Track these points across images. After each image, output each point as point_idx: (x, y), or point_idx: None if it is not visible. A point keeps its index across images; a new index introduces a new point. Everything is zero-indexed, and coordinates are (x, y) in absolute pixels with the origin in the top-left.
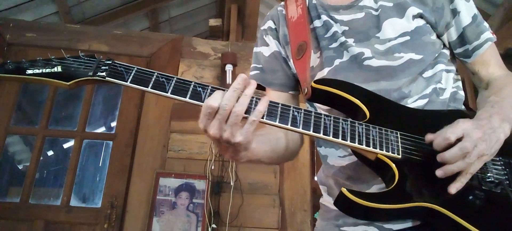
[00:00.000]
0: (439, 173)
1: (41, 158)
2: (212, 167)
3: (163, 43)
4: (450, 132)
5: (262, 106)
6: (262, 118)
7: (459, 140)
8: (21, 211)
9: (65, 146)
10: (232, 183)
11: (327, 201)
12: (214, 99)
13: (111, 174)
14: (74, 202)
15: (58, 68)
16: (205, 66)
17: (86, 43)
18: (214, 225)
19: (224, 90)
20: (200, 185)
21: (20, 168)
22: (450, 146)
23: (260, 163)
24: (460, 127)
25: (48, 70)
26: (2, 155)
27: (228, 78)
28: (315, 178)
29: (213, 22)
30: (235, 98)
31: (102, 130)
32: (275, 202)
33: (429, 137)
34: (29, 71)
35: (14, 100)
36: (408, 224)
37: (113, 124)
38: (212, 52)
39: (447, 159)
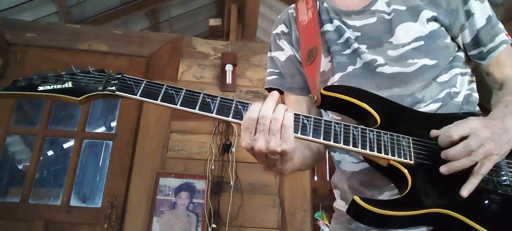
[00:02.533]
0: (443, 169)
1: (41, 158)
2: (212, 167)
3: (163, 43)
4: (455, 130)
5: (291, 114)
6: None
7: (464, 138)
8: (21, 211)
9: (65, 146)
10: (232, 183)
11: (340, 205)
12: (253, 111)
13: (111, 174)
14: (74, 202)
15: (69, 84)
16: (205, 66)
17: (86, 43)
18: (214, 225)
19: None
20: (200, 185)
21: (20, 168)
22: (453, 143)
23: (298, 171)
24: (467, 125)
25: (59, 86)
26: (2, 155)
27: (228, 78)
28: (315, 178)
29: (213, 22)
30: (273, 106)
31: (102, 130)
32: (275, 202)
33: (434, 132)
34: (41, 88)
35: (14, 100)
36: (422, 230)
37: (113, 124)
38: (212, 52)
39: (451, 156)
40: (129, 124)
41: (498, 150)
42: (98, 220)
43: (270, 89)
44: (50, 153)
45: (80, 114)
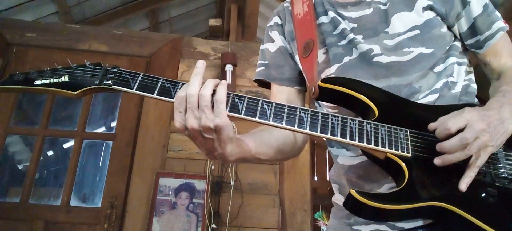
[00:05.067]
0: (437, 161)
1: (41, 158)
2: (212, 167)
3: (163, 43)
4: (452, 122)
5: (223, 88)
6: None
7: (461, 130)
8: (21, 211)
9: (65, 146)
10: (232, 183)
11: (338, 199)
12: (182, 90)
13: (111, 174)
14: (74, 202)
15: (65, 78)
16: (205, 66)
17: (86, 43)
18: (214, 225)
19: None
20: (200, 185)
21: (20, 168)
22: (450, 136)
23: (258, 162)
24: (463, 117)
25: (55, 80)
26: (2, 155)
27: (228, 78)
28: (315, 178)
29: (213, 22)
30: (199, 82)
31: (102, 130)
32: (275, 202)
33: (431, 125)
34: (37, 82)
35: (14, 101)
36: (419, 223)
37: (113, 124)
38: (212, 52)
39: (446, 148)
40: (129, 124)
41: (493, 142)
42: (98, 220)
43: (257, 81)
44: (50, 153)
45: (80, 115)
